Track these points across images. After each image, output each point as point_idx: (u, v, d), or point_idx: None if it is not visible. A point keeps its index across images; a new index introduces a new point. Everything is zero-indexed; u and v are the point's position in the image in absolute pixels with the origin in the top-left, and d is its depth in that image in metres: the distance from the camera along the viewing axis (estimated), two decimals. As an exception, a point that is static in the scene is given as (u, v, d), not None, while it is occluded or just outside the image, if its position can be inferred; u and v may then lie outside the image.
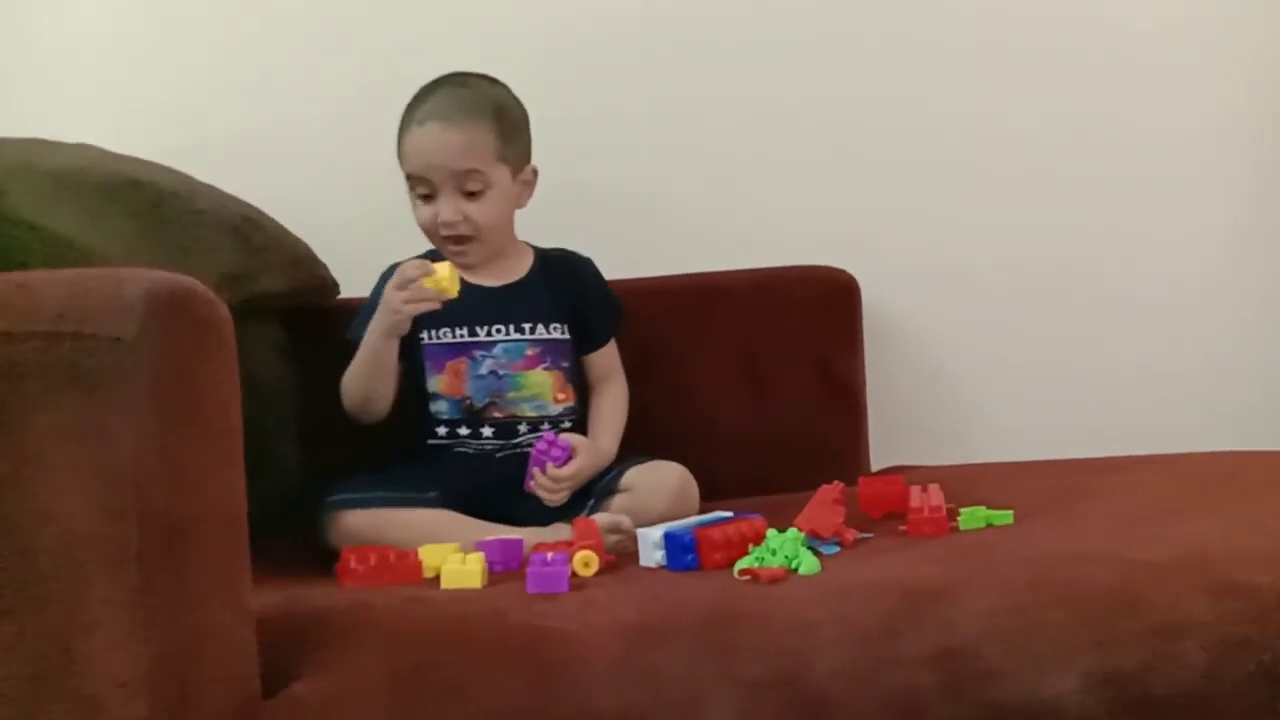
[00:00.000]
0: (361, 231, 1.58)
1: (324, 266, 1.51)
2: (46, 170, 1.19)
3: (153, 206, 1.26)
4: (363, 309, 1.40)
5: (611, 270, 1.55)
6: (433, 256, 1.41)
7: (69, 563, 0.77)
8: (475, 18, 1.69)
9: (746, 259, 1.65)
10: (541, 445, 1.32)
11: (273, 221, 1.44)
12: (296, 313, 1.50)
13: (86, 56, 1.67)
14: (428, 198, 1.39)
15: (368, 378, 1.36)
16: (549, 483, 1.32)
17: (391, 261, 1.38)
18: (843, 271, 1.65)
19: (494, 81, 1.43)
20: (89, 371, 0.76)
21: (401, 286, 1.30)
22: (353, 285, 1.52)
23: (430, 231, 1.40)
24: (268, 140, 1.66)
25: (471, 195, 1.38)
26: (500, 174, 1.39)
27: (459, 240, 1.39)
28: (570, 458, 1.32)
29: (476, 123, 1.37)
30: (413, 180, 1.39)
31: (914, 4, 1.73)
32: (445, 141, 1.36)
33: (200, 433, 0.80)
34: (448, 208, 1.37)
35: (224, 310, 0.82)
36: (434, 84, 1.41)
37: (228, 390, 0.83)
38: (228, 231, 1.33)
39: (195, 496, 0.80)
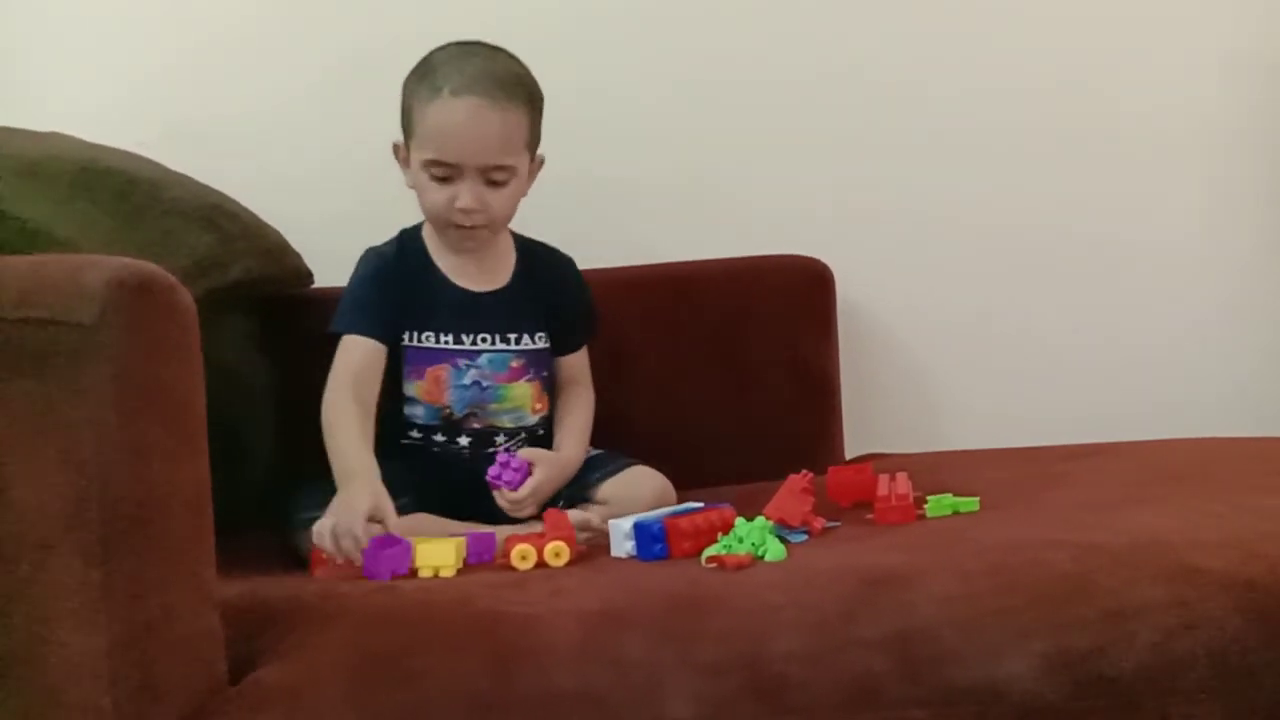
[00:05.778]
0: (335, 220, 1.57)
1: (297, 255, 1.51)
2: (16, 158, 1.19)
3: (123, 194, 1.26)
4: (342, 300, 1.35)
5: (584, 260, 1.55)
6: (408, 236, 1.39)
7: (30, 549, 0.77)
8: (452, 5, 1.69)
9: (720, 249, 1.66)
10: (494, 470, 1.27)
11: (245, 210, 1.43)
12: (270, 302, 1.49)
13: (57, 43, 1.66)
14: (445, 180, 1.29)
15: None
16: (509, 505, 1.27)
17: (367, 246, 1.38)
18: (817, 261, 1.66)
19: (512, 56, 1.32)
20: (50, 357, 0.76)
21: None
22: (327, 275, 1.52)
23: (441, 215, 1.31)
24: (240, 128, 1.66)
25: (495, 184, 1.30)
26: (524, 163, 1.32)
27: (470, 228, 1.32)
28: (527, 476, 1.27)
29: (516, 105, 1.27)
30: (433, 163, 1.28)
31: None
32: (485, 127, 1.25)
33: (163, 419, 0.80)
34: (469, 195, 1.28)
35: (187, 297, 0.82)
36: (461, 51, 1.29)
37: (191, 377, 0.83)
38: (199, 220, 1.33)
39: (158, 483, 0.80)
